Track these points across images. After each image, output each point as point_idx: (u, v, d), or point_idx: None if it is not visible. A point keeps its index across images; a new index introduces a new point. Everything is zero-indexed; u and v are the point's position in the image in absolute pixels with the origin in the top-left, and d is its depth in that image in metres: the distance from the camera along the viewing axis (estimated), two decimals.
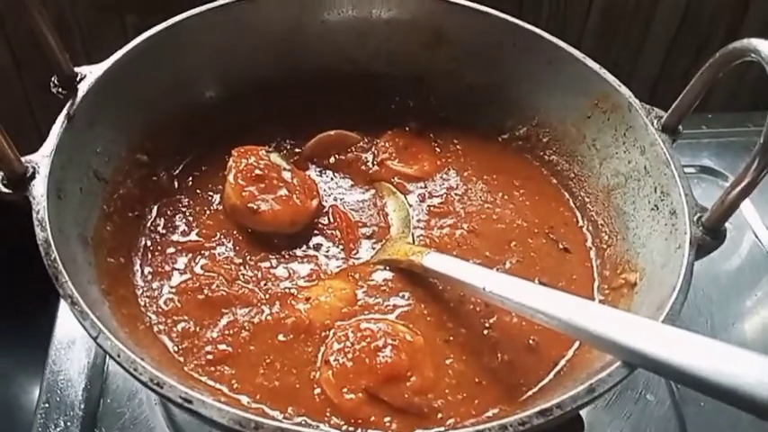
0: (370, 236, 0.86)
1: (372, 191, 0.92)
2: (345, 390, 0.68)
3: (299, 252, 0.83)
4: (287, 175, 0.87)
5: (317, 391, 0.69)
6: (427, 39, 0.96)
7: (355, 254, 0.84)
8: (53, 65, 0.74)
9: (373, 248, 0.85)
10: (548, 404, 0.57)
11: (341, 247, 0.85)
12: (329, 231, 0.86)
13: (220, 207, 0.86)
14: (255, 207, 0.82)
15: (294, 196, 0.84)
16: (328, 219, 0.87)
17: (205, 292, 0.76)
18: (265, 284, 0.78)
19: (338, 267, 0.82)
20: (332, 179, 0.93)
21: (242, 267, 0.80)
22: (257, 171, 0.84)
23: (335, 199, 0.90)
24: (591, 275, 0.84)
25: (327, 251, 0.84)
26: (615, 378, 0.59)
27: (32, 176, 0.67)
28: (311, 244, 0.84)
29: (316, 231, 0.86)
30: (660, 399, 0.91)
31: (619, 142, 0.85)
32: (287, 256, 0.82)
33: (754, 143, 0.64)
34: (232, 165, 0.86)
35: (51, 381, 0.87)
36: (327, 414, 0.67)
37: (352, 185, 0.92)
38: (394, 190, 0.91)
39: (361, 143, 0.95)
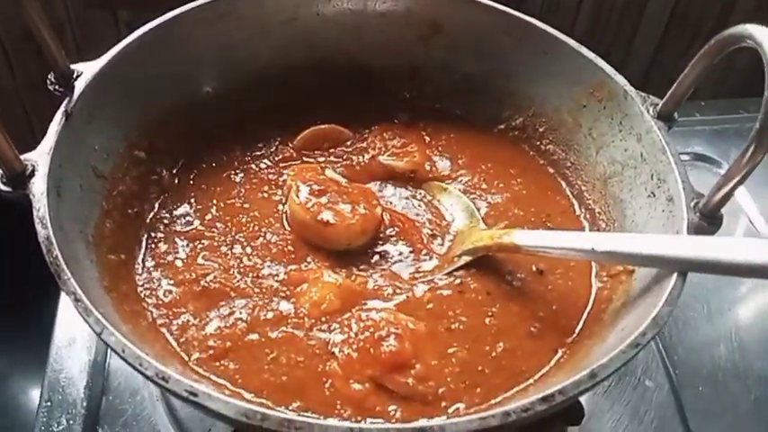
0: (432, 235, 0.87)
1: (414, 190, 0.92)
2: (352, 381, 0.69)
3: (368, 262, 0.82)
4: (346, 187, 0.87)
5: (327, 384, 0.69)
6: (422, 30, 0.96)
7: (425, 254, 0.84)
8: (50, 62, 0.74)
9: (441, 246, 0.85)
10: (550, 390, 0.58)
11: (410, 248, 0.85)
12: (393, 237, 0.86)
13: (218, 201, 0.86)
14: (326, 220, 0.81)
15: (360, 205, 0.84)
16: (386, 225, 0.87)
17: (202, 283, 0.76)
18: (259, 281, 0.78)
19: (414, 270, 0.82)
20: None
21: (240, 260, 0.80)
22: (317, 186, 0.85)
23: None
24: (589, 263, 0.84)
25: (398, 256, 0.84)
26: (616, 363, 0.60)
27: (32, 174, 0.67)
28: (379, 251, 0.84)
29: (380, 241, 0.85)
30: (659, 384, 0.92)
31: (615, 130, 0.85)
32: (361, 267, 0.82)
33: (748, 129, 0.64)
34: (292, 183, 0.86)
35: (53, 379, 0.87)
36: (338, 407, 0.68)
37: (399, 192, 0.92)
38: (444, 186, 0.92)
39: (351, 140, 0.95)
